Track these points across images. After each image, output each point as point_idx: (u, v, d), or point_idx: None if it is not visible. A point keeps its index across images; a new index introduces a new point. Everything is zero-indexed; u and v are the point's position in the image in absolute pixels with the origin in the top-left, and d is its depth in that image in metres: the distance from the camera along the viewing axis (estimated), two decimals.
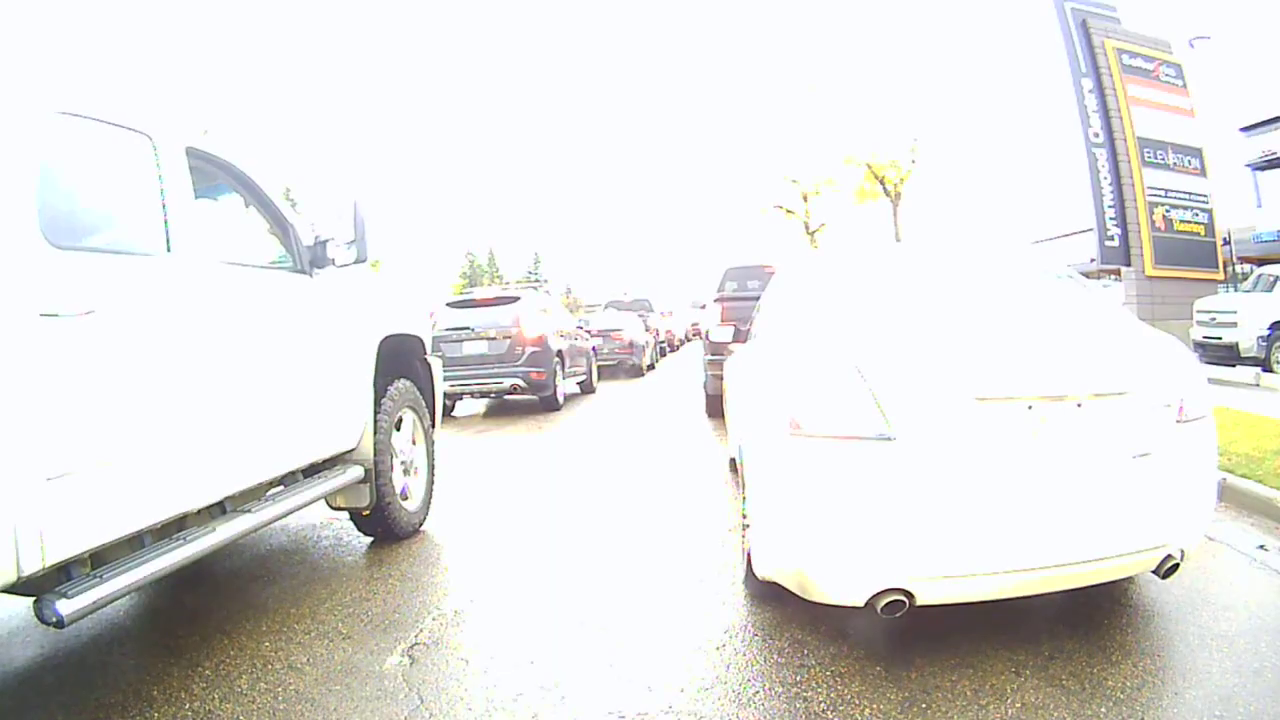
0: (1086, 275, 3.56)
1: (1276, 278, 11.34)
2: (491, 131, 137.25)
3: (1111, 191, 12.40)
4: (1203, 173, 13.15)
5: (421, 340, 4.42)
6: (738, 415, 3.53)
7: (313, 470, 3.45)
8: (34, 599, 2.07)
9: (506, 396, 10.19)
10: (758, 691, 2.29)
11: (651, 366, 17.07)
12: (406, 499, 4.07)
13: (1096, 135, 12.44)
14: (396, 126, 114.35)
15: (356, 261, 3.46)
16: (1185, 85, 13.37)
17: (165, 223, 2.58)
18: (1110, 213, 12.39)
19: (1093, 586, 2.44)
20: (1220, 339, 10.51)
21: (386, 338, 3.91)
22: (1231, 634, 2.53)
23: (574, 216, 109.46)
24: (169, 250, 2.57)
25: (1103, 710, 2.08)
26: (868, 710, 2.13)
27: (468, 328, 9.53)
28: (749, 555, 2.82)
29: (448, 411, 9.12)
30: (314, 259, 3.43)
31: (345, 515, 3.99)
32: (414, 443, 4.21)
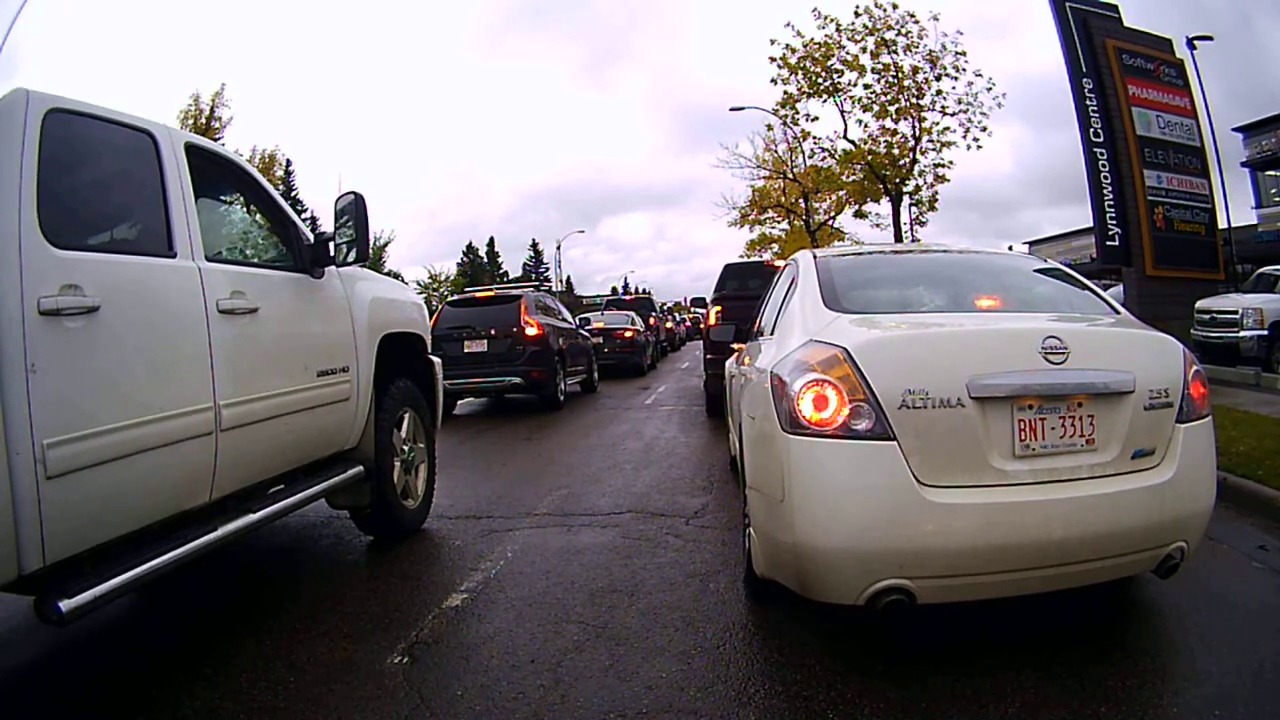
0: (1089, 275, 3.57)
1: (1276, 278, 11.34)
2: (490, 126, 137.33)
3: (1112, 191, 12.40)
4: (1203, 172, 13.15)
5: (422, 339, 4.42)
6: (738, 413, 3.53)
7: (314, 469, 3.45)
8: (35, 596, 2.08)
9: (507, 395, 10.20)
10: (758, 690, 2.29)
11: (653, 365, 17.09)
12: (407, 497, 4.07)
13: (1097, 135, 12.44)
14: (398, 118, 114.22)
15: (358, 260, 3.46)
16: (1186, 85, 13.37)
17: (167, 221, 2.58)
18: (1111, 212, 12.39)
19: (1093, 586, 2.44)
20: (1220, 339, 10.50)
21: (387, 336, 3.91)
22: (1231, 633, 2.54)
23: (575, 213, 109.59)
24: (170, 249, 2.57)
25: (1103, 709, 2.08)
26: (868, 709, 2.13)
27: (469, 326, 9.54)
28: (749, 553, 2.82)
29: (449, 410, 9.12)
30: (315, 258, 3.42)
31: (346, 514, 3.99)
32: (415, 441, 4.21)
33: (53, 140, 2.16)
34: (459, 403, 10.17)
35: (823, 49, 17.58)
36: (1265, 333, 9.98)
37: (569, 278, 54.95)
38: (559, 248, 46.76)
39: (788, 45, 17.80)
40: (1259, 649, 2.42)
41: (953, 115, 17.49)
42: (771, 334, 3.33)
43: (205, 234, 2.75)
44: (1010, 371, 2.27)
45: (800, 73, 17.99)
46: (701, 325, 12.17)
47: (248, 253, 3.57)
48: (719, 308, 8.27)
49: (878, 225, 22.18)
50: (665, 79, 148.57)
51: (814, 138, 19.59)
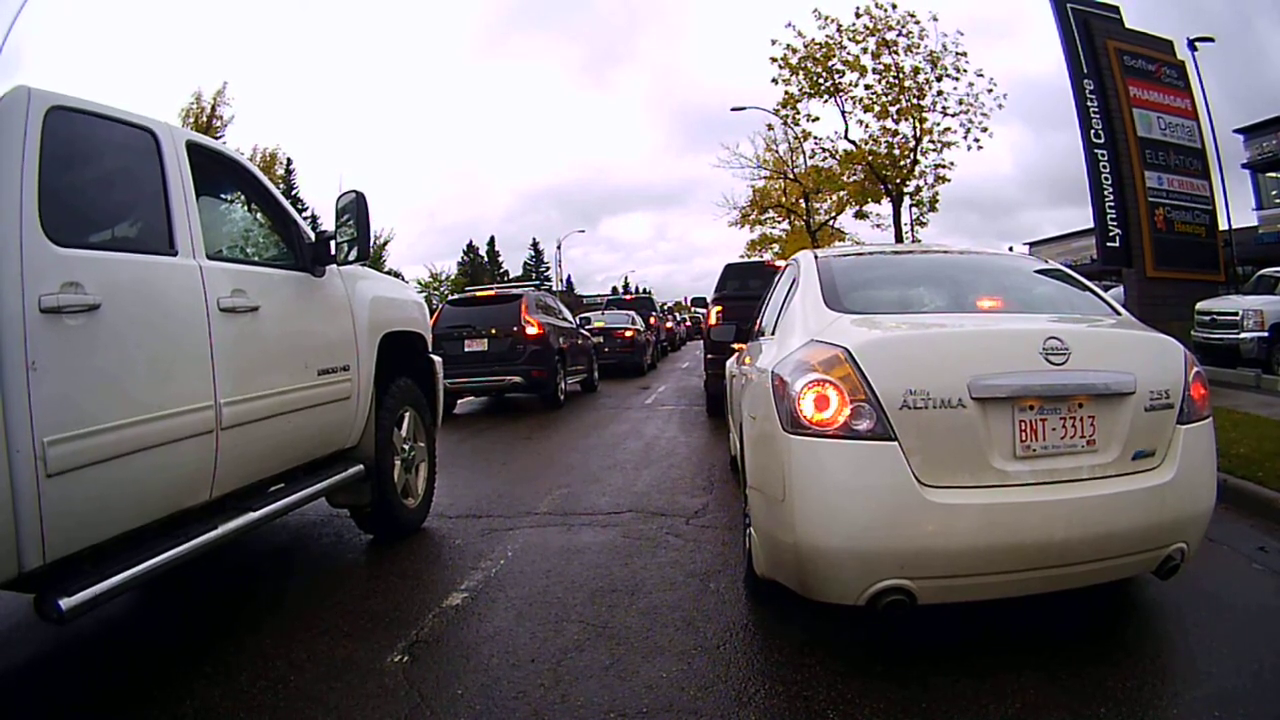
0: (1089, 276, 3.57)
1: (1277, 279, 11.34)
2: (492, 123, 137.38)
3: (1112, 192, 12.38)
4: (1203, 174, 13.13)
5: (423, 337, 4.42)
6: (739, 412, 3.53)
7: (314, 467, 3.45)
8: (35, 594, 2.08)
9: (508, 394, 10.20)
10: (758, 690, 2.29)
11: (653, 365, 17.09)
12: (407, 496, 4.07)
13: (1098, 136, 12.41)
14: (400, 115, 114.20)
15: (359, 259, 3.45)
16: (1187, 87, 13.35)
17: (168, 219, 2.58)
18: (1111, 214, 12.38)
19: (1093, 586, 2.44)
20: (1221, 340, 10.50)
21: (388, 335, 3.91)
22: (1231, 634, 2.54)
23: (575, 213, 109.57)
24: (171, 247, 2.57)
25: (1102, 710, 2.08)
26: (868, 710, 2.13)
27: (469, 325, 9.54)
28: (749, 553, 2.82)
29: (449, 410, 9.12)
30: (316, 256, 3.42)
31: (346, 513, 3.99)
32: (415, 440, 4.21)
33: (54, 138, 2.16)
34: (459, 402, 10.16)
35: (824, 49, 17.57)
36: (1266, 335, 9.97)
37: (569, 277, 54.89)
38: (559, 247, 46.79)
39: (789, 46, 17.82)
40: (1259, 650, 2.42)
41: (954, 116, 17.49)
42: (772, 334, 3.33)
43: (206, 232, 2.75)
44: (1011, 372, 2.27)
45: (801, 73, 17.99)
46: (702, 325, 12.17)
47: (249, 251, 3.57)
48: (719, 307, 8.27)
49: (878, 226, 22.18)
50: (665, 79, 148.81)
51: (815, 138, 19.59)
